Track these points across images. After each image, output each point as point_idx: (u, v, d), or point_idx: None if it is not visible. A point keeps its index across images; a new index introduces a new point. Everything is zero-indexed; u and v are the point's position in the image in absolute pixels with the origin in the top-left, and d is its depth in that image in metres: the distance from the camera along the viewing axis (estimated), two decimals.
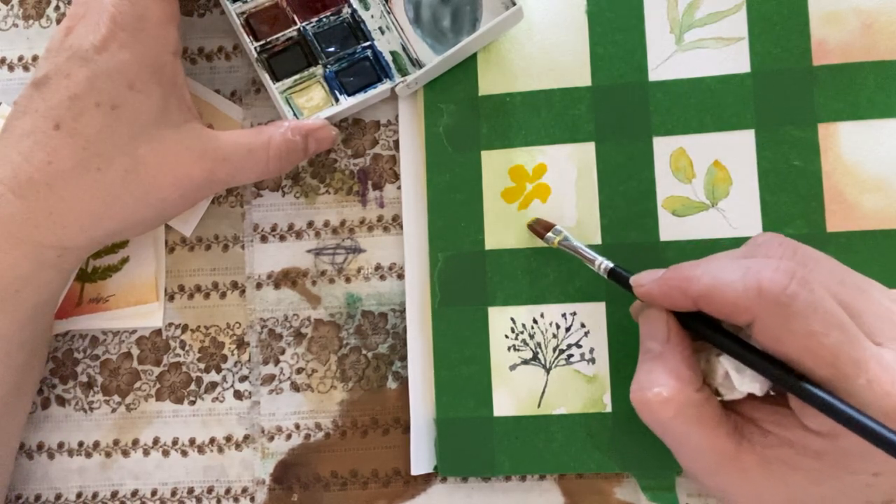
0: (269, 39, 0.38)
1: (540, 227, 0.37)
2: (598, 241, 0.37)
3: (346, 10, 0.39)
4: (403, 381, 0.38)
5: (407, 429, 0.38)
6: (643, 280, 0.31)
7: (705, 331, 0.30)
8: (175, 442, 0.39)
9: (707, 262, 0.30)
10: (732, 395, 0.30)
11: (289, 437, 0.39)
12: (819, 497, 0.28)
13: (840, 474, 0.28)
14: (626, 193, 0.37)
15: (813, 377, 0.27)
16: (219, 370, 0.39)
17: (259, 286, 0.39)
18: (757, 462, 0.29)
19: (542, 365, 0.37)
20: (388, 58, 0.38)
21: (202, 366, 0.39)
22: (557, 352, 0.37)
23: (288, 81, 0.38)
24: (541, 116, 0.38)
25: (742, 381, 0.29)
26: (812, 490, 0.28)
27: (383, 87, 0.38)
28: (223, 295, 0.39)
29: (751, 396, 0.30)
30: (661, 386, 0.29)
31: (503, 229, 0.38)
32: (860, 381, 0.26)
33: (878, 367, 0.26)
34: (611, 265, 0.34)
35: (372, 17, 0.39)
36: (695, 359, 0.30)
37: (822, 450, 0.28)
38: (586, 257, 0.35)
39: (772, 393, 0.30)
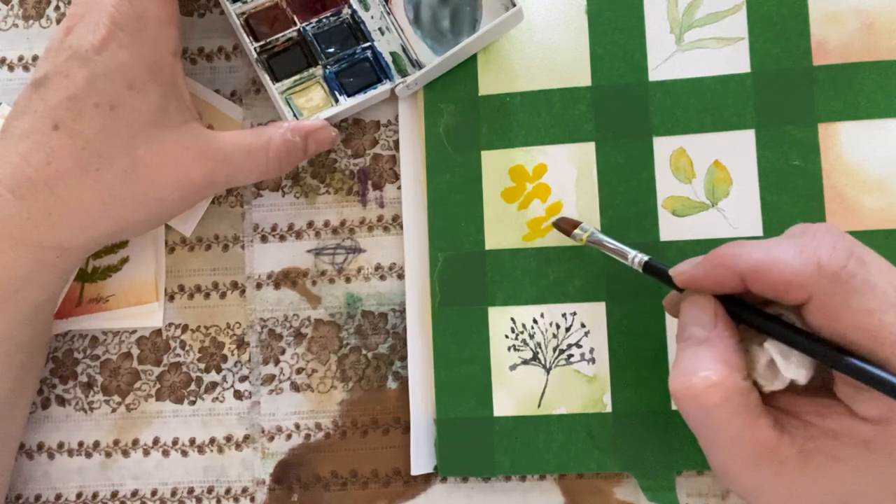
0: (268, 40, 0.38)
1: (567, 225, 0.36)
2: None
3: (346, 11, 0.39)
4: (403, 381, 0.38)
5: (407, 429, 0.38)
6: (683, 268, 0.30)
7: (749, 315, 0.29)
8: (175, 442, 0.39)
9: (753, 242, 0.29)
10: (773, 385, 0.29)
11: (289, 437, 0.39)
12: (858, 491, 0.28)
13: (885, 464, 0.27)
14: (626, 193, 0.37)
15: (873, 358, 0.26)
16: (219, 370, 0.39)
17: (259, 286, 0.39)
18: (797, 455, 0.28)
19: (542, 365, 0.37)
20: (388, 58, 0.38)
21: (202, 366, 0.39)
22: (557, 352, 0.37)
23: (288, 82, 0.38)
24: (541, 116, 0.38)
25: (788, 367, 0.28)
26: (852, 483, 0.28)
27: (383, 88, 0.38)
28: (223, 295, 0.39)
29: (789, 389, 0.29)
30: (708, 370, 0.28)
31: (503, 229, 0.38)
32: None
33: None
34: (646, 258, 0.33)
35: (372, 17, 0.39)
36: (740, 347, 0.30)
37: (871, 437, 0.27)
38: (618, 252, 0.34)
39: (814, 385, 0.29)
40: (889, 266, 0.28)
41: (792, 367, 0.28)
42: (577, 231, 0.36)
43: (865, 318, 0.26)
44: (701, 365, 0.28)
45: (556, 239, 0.37)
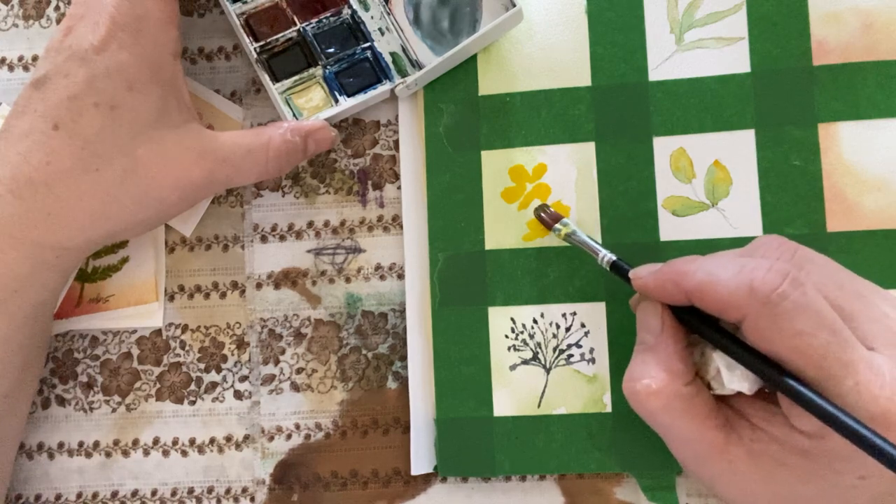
0: (268, 40, 0.38)
1: (548, 217, 0.36)
2: (598, 241, 0.37)
3: (345, 11, 0.39)
4: (403, 381, 0.38)
5: (407, 429, 0.38)
6: (641, 273, 0.32)
7: (698, 326, 0.30)
8: (175, 442, 0.39)
9: (704, 258, 0.30)
10: (723, 390, 0.30)
11: (289, 437, 0.39)
12: (804, 495, 0.28)
13: (826, 474, 0.28)
14: (626, 193, 0.37)
15: (802, 377, 0.27)
16: (219, 370, 0.39)
17: (259, 286, 0.39)
18: (745, 455, 0.29)
19: (542, 365, 0.37)
20: (388, 59, 0.38)
21: (202, 366, 0.39)
22: (557, 352, 0.37)
23: (287, 82, 0.38)
24: (541, 116, 0.38)
25: (731, 379, 0.29)
26: (798, 488, 0.28)
27: (383, 88, 0.38)
28: (223, 295, 0.39)
29: (742, 392, 0.30)
30: (650, 378, 0.29)
31: (503, 229, 0.38)
32: (848, 383, 0.26)
33: (867, 371, 0.26)
34: (613, 258, 0.34)
35: (372, 18, 0.39)
36: (688, 352, 0.31)
37: (809, 449, 0.28)
38: (591, 249, 0.35)
39: (766, 391, 0.30)
40: (839, 283, 0.29)
41: (735, 379, 0.29)
42: (557, 226, 0.36)
43: (793, 340, 0.27)
44: (645, 371, 0.30)
45: (555, 239, 0.37)
